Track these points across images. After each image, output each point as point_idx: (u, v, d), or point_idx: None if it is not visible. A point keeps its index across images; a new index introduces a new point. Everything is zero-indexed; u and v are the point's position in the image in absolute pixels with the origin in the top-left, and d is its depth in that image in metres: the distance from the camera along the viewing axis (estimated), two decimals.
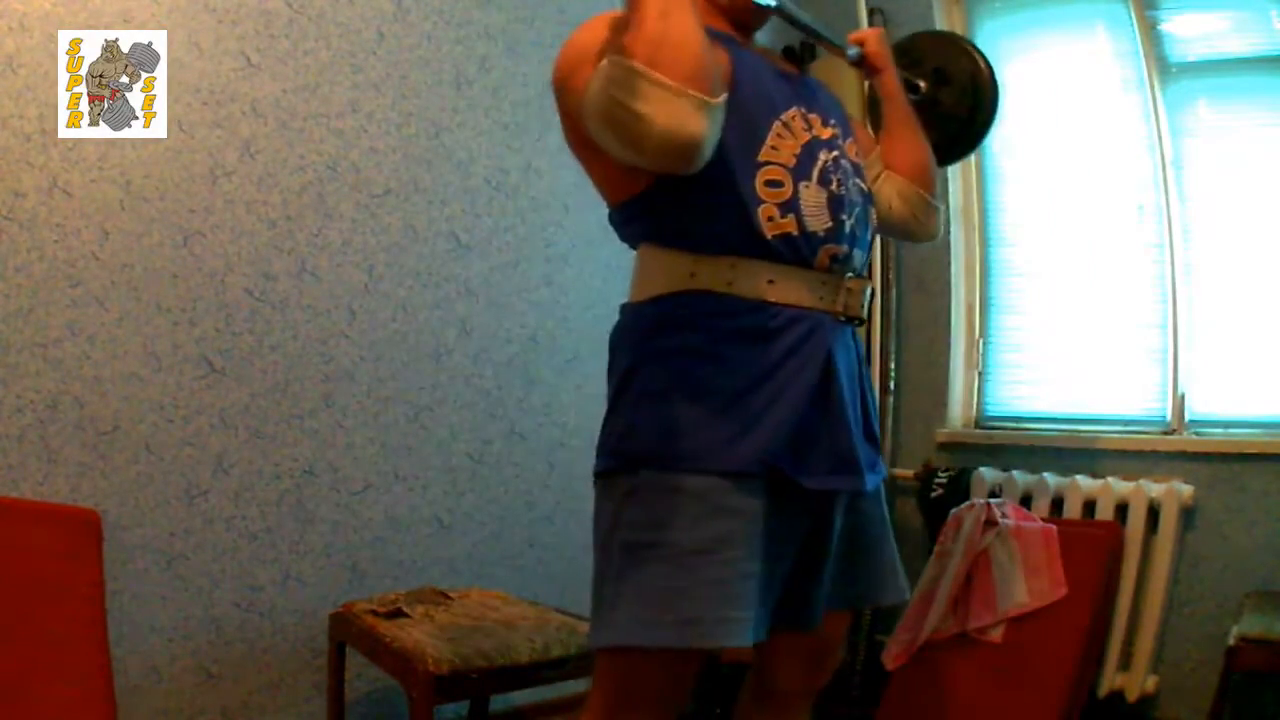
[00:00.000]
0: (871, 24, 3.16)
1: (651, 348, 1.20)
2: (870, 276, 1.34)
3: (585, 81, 1.09)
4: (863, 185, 1.33)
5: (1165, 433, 2.61)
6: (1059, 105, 2.90)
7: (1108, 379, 2.78)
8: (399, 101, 2.42)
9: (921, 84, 1.74)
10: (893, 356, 3.05)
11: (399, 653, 1.84)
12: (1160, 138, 2.66)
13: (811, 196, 1.21)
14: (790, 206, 1.19)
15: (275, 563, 2.21)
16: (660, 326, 1.20)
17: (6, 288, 1.87)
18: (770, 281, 1.18)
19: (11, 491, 1.85)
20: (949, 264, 2.95)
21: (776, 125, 1.21)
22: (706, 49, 1.05)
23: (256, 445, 2.18)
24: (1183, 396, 2.60)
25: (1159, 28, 2.69)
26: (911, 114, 1.55)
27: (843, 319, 1.25)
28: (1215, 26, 2.66)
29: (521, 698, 2.44)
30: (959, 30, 3.07)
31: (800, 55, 3.43)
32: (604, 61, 1.05)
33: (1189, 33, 2.69)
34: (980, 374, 3.03)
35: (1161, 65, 2.68)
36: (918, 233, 1.56)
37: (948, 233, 2.94)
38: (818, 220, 1.21)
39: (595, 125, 1.08)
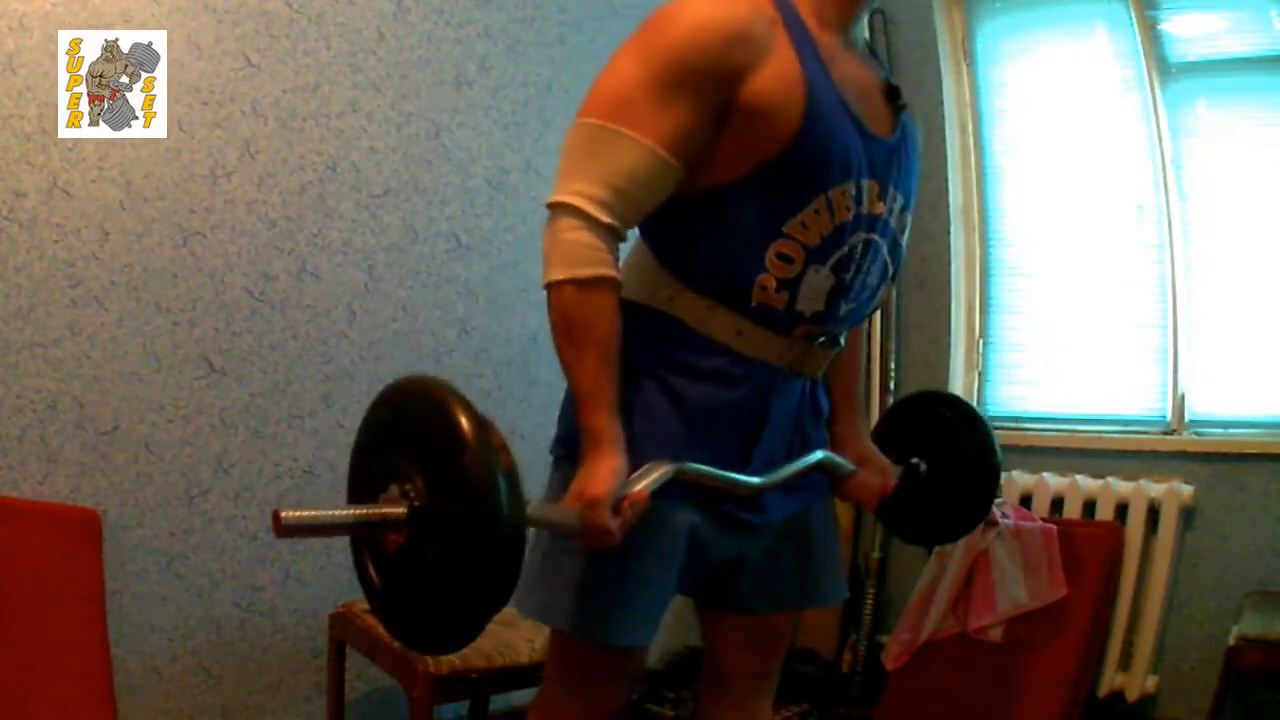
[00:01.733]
0: (872, 24, 3.14)
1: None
2: (841, 345, 1.28)
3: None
4: (890, 264, 1.24)
5: (1165, 433, 2.61)
6: (1059, 105, 2.90)
7: (1108, 379, 2.77)
8: (399, 101, 2.41)
9: (920, 466, 1.50)
10: (893, 356, 3.05)
11: (399, 653, 1.84)
12: (1160, 138, 2.66)
13: (818, 282, 1.14)
14: (789, 285, 1.13)
15: (275, 563, 2.21)
16: (629, 335, 1.17)
17: (6, 288, 1.87)
18: (739, 333, 1.17)
19: (11, 491, 1.85)
20: (949, 264, 2.95)
21: (818, 200, 1.10)
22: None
23: (256, 445, 2.18)
24: (1183, 396, 2.60)
25: (1159, 28, 2.69)
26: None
27: (798, 376, 1.23)
28: (1215, 26, 2.66)
29: (521, 698, 2.44)
30: (959, 30, 3.07)
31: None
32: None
33: (1189, 33, 2.69)
34: (980, 374, 3.03)
35: (1161, 65, 2.68)
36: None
37: (947, 233, 2.94)
38: (810, 303, 1.15)
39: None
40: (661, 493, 1.10)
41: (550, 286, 1.12)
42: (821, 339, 1.22)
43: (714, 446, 1.18)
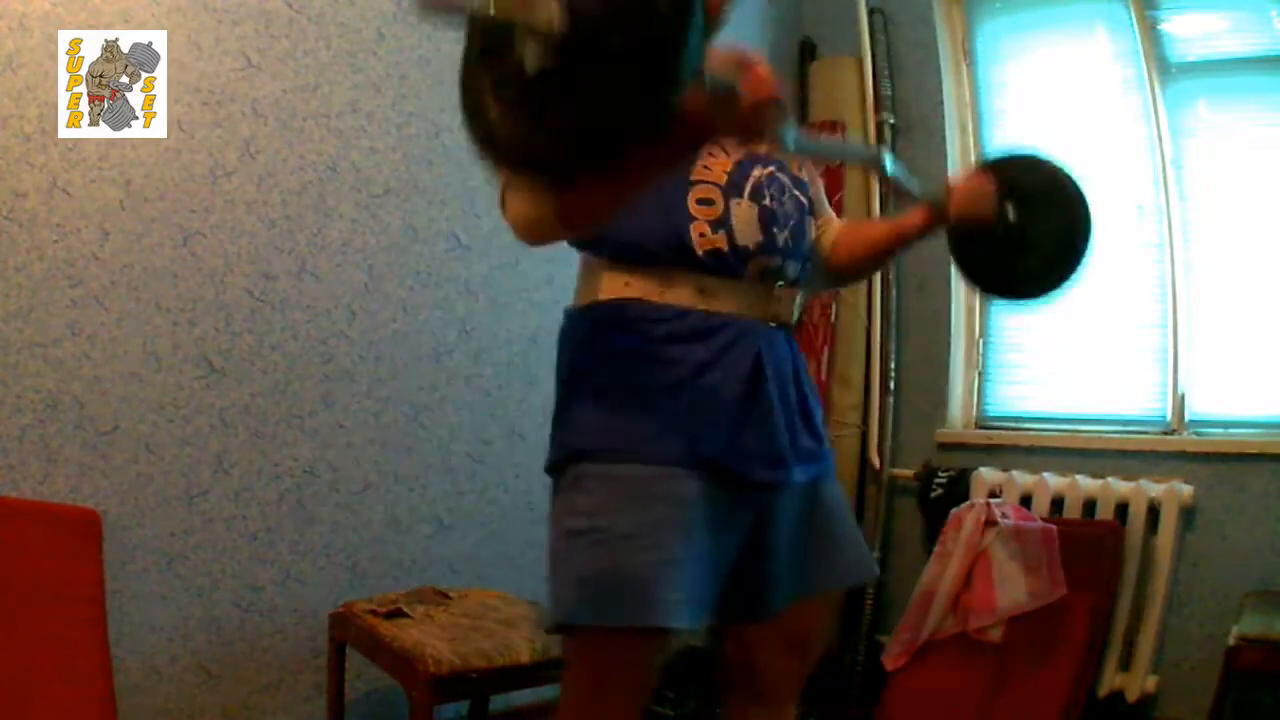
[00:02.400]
0: (872, 24, 3.15)
1: (590, 349, 1.26)
2: (800, 285, 1.32)
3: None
4: (801, 198, 1.34)
5: (1165, 433, 2.61)
6: (1059, 105, 2.90)
7: (1108, 379, 2.78)
8: (399, 101, 2.41)
9: (1011, 214, 1.48)
10: (893, 356, 3.05)
11: (399, 653, 1.84)
12: (1160, 138, 2.66)
13: (743, 213, 1.24)
14: (721, 223, 1.23)
15: (275, 563, 2.21)
16: (597, 329, 1.26)
17: (6, 288, 1.87)
18: (700, 291, 1.23)
19: (11, 491, 1.85)
20: (949, 264, 2.93)
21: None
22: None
23: (256, 445, 2.18)
24: (1183, 396, 2.60)
25: (1159, 28, 2.69)
26: (906, 245, 1.48)
27: (772, 325, 1.28)
28: (1215, 26, 2.66)
29: (521, 698, 2.44)
30: (959, 30, 3.08)
31: (799, 56, 3.42)
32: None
33: (1189, 33, 2.69)
34: (980, 374, 3.03)
35: (1161, 65, 2.68)
36: (818, 280, 1.50)
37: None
38: (747, 235, 1.24)
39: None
40: (661, 461, 1.16)
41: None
42: (778, 279, 1.28)
43: (716, 399, 1.21)
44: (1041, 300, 1.59)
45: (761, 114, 0.98)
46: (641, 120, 0.86)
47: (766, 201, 1.27)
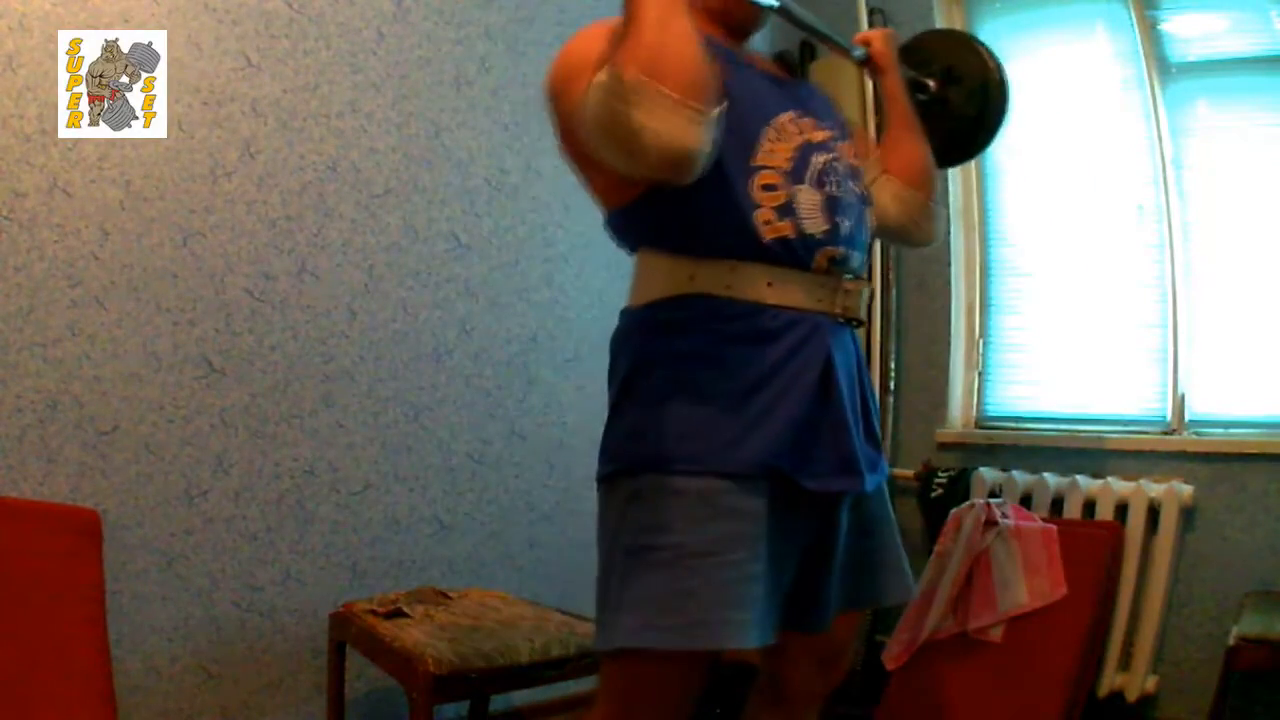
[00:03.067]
0: (872, 24, 3.15)
1: (652, 351, 1.21)
2: (869, 277, 1.34)
3: (581, 91, 1.09)
4: (859, 188, 1.33)
5: (1165, 433, 2.61)
6: (1059, 105, 2.89)
7: (1108, 379, 2.77)
8: (399, 101, 2.42)
9: (931, 83, 1.69)
10: (893, 356, 3.05)
11: (399, 653, 1.84)
12: (1160, 138, 2.66)
13: (807, 199, 1.20)
14: (787, 210, 1.19)
15: (275, 563, 2.21)
16: (660, 330, 1.20)
17: (6, 288, 1.87)
18: (769, 284, 1.19)
19: (11, 491, 1.85)
20: (949, 264, 2.95)
21: (769, 130, 1.21)
22: (704, 60, 1.05)
23: (256, 445, 2.18)
24: (1183, 396, 2.60)
25: (1159, 28, 2.69)
26: (913, 116, 1.52)
27: (841, 320, 1.25)
28: (1215, 26, 2.66)
29: (521, 698, 2.44)
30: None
31: (799, 57, 3.43)
32: (601, 72, 1.05)
33: (1189, 33, 2.69)
34: (980, 374, 3.03)
35: (1161, 65, 2.68)
36: (916, 236, 1.52)
37: (948, 233, 2.94)
38: (814, 223, 1.20)
39: (593, 136, 1.08)
40: (729, 473, 1.13)
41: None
42: (846, 272, 1.24)
43: (787, 406, 1.17)
44: (969, 154, 1.79)
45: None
46: None
47: (830, 189, 1.23)
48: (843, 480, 1.21)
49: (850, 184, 1.29)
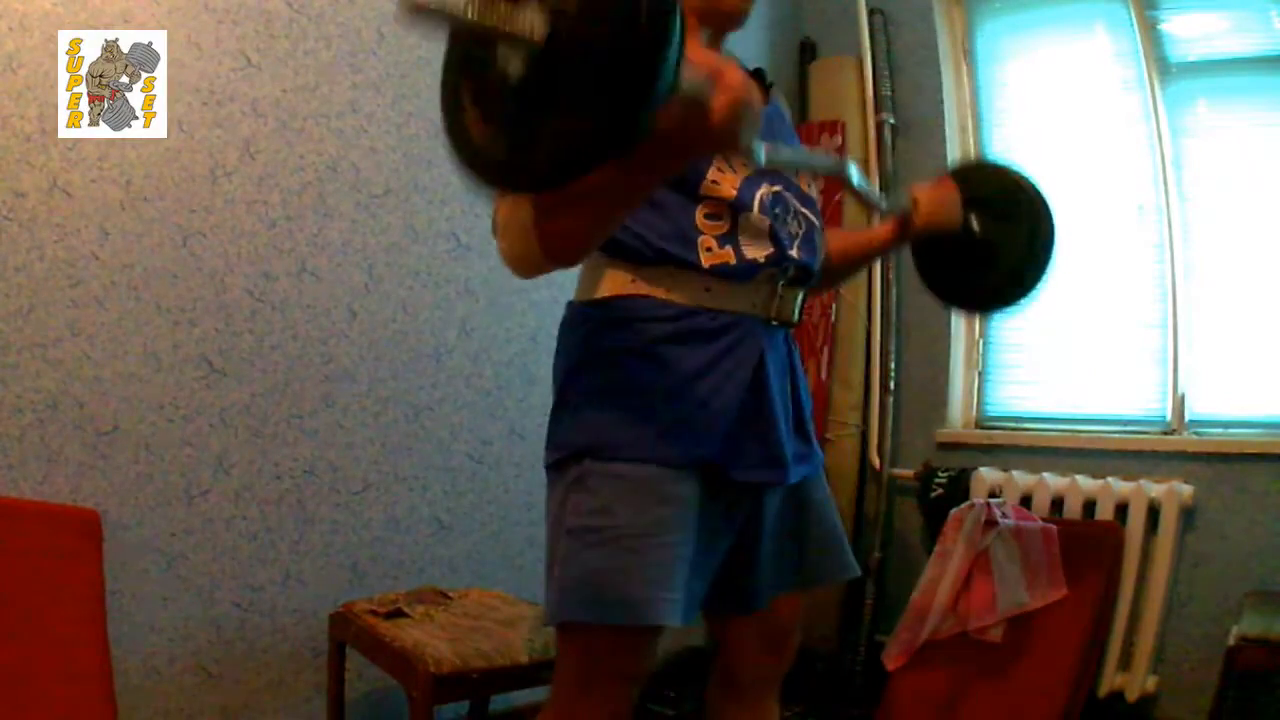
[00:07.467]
0: (872, 24, 3.15)
1: (593, 347, 1.25)
2: (811, 284, 1.32)
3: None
4: (810, 215, 1.33)
5: (1165, 433, 2.61)
6: (1059, 105, 2.90)
7: (1108, 379, 2.78)
8: (399, 101, 2.42)
9: (975, 225, 1.50)
10: (893, 356, 3.05)
11: (399, 653, 1.84)
12: (1160, 138, 2.66)
13: (754, 225, 1.23)
14: (728, 239, 1.22)
15: (275, 563, 2.21)
16: (601, 327, 1.25)
17: (6, 288, 1.87)
18: (706, 290, 1.22)
19: (11, 491, 1.85)
20: None
21: (717, 159, 1.22)
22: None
23: (256, 445, 2.18)
24: (1183, 396, 2.61)
25: (1159, 28, 2.69)
26: (882, 254, 1.60)
27: (775, 323, 1.28)
28: (1215, 26, 2.67)
29: (521, 698, 2.44)
30: (960, 30, 3.07)
31: (799, 57, 3.42)
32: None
33: (1189, 33, 2.69)
34: (980, 374, 3.03)
35: (1161, 65, 2.68)
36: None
37: None
38: (756, 249, 1.23)
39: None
40: (665, 462, 1.17)
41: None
42: (786, 281, 1.27)
43: (719, 402, 1.21)
44: (1005, 311, 1.62)
45: (731, 123, 0.91)
46: (618, 133, 0.84)
47: (778, 211, 1.25)
48: (769, 472, 1.26)
49: (800, 210, 1.30)
